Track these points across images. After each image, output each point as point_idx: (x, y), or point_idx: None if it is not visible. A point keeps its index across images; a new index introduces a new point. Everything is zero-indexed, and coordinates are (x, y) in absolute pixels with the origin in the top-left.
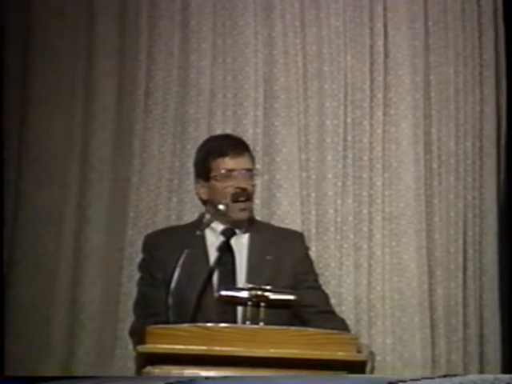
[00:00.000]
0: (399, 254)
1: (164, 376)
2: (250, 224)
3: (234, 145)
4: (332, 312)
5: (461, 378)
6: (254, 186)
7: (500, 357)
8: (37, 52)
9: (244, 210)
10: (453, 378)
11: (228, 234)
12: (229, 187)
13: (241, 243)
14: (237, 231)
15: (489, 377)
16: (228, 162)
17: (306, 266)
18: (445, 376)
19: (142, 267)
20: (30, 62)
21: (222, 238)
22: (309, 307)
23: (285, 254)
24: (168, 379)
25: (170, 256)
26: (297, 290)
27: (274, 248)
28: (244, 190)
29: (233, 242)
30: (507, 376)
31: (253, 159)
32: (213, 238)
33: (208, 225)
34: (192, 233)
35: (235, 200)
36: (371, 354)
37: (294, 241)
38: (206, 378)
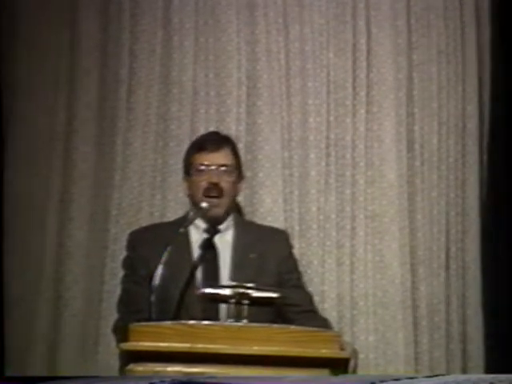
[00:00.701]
0: (382, 252)
1: (150, 376)
2: (235, 221)
3: (213, 140)
4: (315, 311)
5: (444, 378)
6: (231, 182)
7: (483, 354)
8: (20, 49)
9: (216, 206)
10: (436, 378)
11: (211, 231)
12: (202, 182)
13: (225, 241)
14: (220, 228)
15: (472, 377)
16: (204, 157)
17: (290, 265)
18: (428, 376)
19: (126, 264)
20: (13, 60)
21: (205, 236)
22: (292, 306)
23: (269, 253)
24: (153, 379)
25: (153, 253)
26: (280, 288)
27: (259, 246)
28: (215, 185)
29: (217, 239)
30: (490, 376)
31: (235, 156)
32: (197, 236)
33: (191, 222)
34: (176, 230)
35: (206, 195)
36: (354, 351)
37: (279, 239)
38: (190, 378)
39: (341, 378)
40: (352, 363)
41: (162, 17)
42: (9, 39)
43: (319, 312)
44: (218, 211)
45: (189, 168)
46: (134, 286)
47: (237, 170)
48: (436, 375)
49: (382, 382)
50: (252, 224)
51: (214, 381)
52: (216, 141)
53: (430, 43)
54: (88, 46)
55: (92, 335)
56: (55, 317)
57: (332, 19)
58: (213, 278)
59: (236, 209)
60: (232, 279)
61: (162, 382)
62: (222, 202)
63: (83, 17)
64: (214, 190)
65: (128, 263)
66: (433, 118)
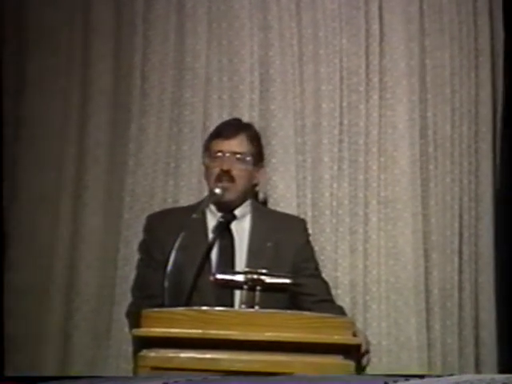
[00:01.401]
0: (395, 238)
1: (162, 376)
2: (253, 208)
3: (229, 127)
4: (331, 301)
5: (456, 378)
6: (245, 169)
7: (495, 340)
8: (33, 34)
9: (227, 190)
10: (448, 378)
11: (227, 217)
12: (215, 168)
13: (241, 228)
14: (236, 215)
15: (486, 377)
16: (219, 144)
17: (307, 254)
18: (439, 376)
19: (142, 248)
20: (26, 45)
21: (218, 222)
22: (308, 296)
23: (286, 241)
24: (167, 379)
25: (169, 238)
26: (297, 277)
27: (276, 234)
28: (227, 172)
29: (233, 226)
30: (503, 376)
31: (253, 144)
32: (213, 222)
33: (204, 208)
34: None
35: (218, 182)
36: (366, 339)
37: (296, 227)
38: (204, 378)
39: (352, 377)
40: (363, 349)
41: (176, 2)
42: (20, 23)
43: (335, 301)
44: (230, 196)
45: (205, 154)
46: (149, 270)
47: (254, 157)
48: (448, 375)
49: (395, 382)
50: (269, 211)
51: (229, 381)
52: (232, 127)
53: (442, 29)
54: (101, 31)
55: (105, 321)
56: (68, 303)
57: (344, 5)
58: (228, 265)
59: (254, 196)
60: (248, 267)
61: (175, 382)
62: (233, 187)
63: (96, 2)
64: (225, 178)
65: (143, 247)
66: (446, 104)
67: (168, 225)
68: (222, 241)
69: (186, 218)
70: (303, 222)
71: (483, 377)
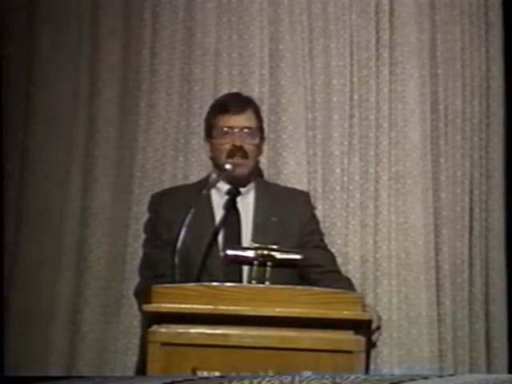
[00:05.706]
0: (405, 214)
1: (163, 377)
2: (256, 183)
3: (235, 102)
4: (338, 272)
5: (465, 377)
6: (255, 144)
7: (506, 315)
8: (42, 11)
9: (240, 165)
10: (457, 377)
11: (233, 193)
12: (225, 144)
13: (246, 203)
14: (241, 190)
15: (492, 376)
16: (227, 119)
17: (313, 227)
18: (440, 376)
19: (148, 228)
20: (35, 22)
21: (227, 198)
22: (315, 267)
23: (291, 215)
24: (165, 379)
25: (175, 216)
26: (303, 250)
27: (280, 209)
28: (239, 147)
29: (239, 202)
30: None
31: (258, 118)
32: (218, 198)
33: (214, 184)
34: (198, 192)
35: (230, 157)
36: (377, 314)
37: (301, 201)
38: (202, 378)
39: (361, 377)
40: (374, 325)
41: None
42: (31, 1)
43: (342, 272)
44: (242, 171)
45: (211, 130)
46: (156, 250)
47: (260, 131)
48: (449, 375)
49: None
50: (273, 186)
51: (229, 379)
52: (239, 103)
53: (452, 3)
54: (110, 7)
55: (115, 297)
56: (78, 279)
57: None
58: (235, 241)
59: (257, 171)
60: (254, 242)
61: (176, 382)
62: (246, 162)
63: None
64: (237, 153)
65: (149, 226)
66: (456, 78)
67: (173, 203)
68: (227, 217)
69: (191, 196)
70: (307, 195)
71: (491, 376)
